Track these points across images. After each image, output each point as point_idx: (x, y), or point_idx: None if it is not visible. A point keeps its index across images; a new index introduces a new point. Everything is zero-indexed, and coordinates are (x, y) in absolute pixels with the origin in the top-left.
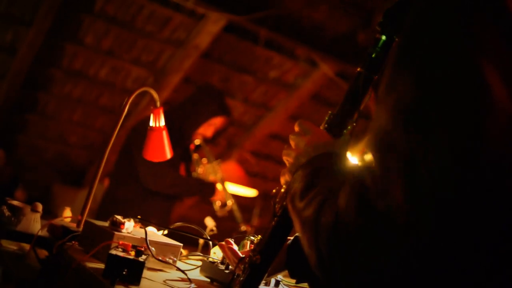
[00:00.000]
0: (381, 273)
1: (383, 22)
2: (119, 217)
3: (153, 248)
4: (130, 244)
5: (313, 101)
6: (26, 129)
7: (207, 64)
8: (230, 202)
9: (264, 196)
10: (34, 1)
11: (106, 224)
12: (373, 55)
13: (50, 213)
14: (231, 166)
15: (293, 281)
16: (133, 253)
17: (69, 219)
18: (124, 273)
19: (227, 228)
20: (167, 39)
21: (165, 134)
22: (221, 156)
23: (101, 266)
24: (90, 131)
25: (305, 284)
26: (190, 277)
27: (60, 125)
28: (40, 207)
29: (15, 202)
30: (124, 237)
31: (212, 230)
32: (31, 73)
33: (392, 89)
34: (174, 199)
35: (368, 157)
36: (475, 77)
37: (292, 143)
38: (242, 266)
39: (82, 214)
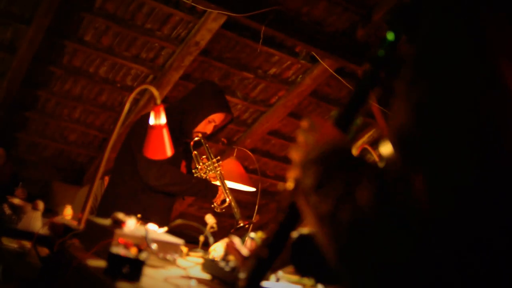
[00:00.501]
0: (403, 267)
1: (390, 20)
2: (120, 215)
3: (153, 246)
4: (131, 242)
5: (313, 98)
6: (26, 127)
7: (207, 61)
8: (228, 200)
9: (263, 193)
10: None
11: (108, 222)
12: (381, 53)
13: (50, 211)
14: (231, 163)
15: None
16: (133, 251)
17: (70, 217)
18: (125, 271)
19: (227, 225)
20: (167, 36)
21: (165, 132)
22: (221, 153)
23: (102, 264)
24: (90, 129)
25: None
26: (191, 274)
27: (60, 123)
28: (41, 205)
29: (15, 201)
30: (125, 235)
31: (212, 228)
32: (31, 71)
33: (413, 88)
34: (175, 197)
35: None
36: (494, 78)
37: (300, 138)
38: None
39: (82, 212)
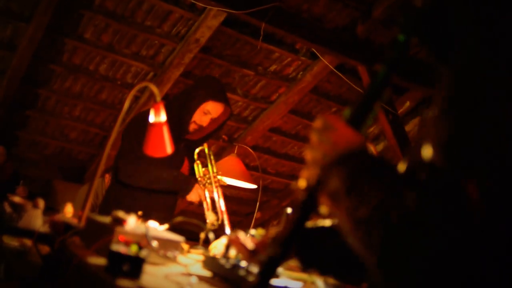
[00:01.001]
0: (454, 274)
1: (403, 22)
2: (120, 213)
3: (154, 244)
4: (131, 240)
5: (314, 95)
6: (27, 125)
7: (207, 58)
8: (218, 217)
9: (265, 190)
10: None
11: (108, 220)
12: (394, 55)
13: (51, 209)
14: (232, 160)
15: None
16: (134, 248)
17: (70, 215)
18: (125, 268)
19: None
20: (167, 33)
21: (165, 129)
22: (222, 150)
23: (103, 261)
24: (91, 127)
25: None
26: (192, 271)
27: (60, 121)
28: (41, 203)
29: (16, 199)
30: (125, 233)
31: (213, 225)
32: (31, 69)
33: (455, 104)
34: (177, 195)
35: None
36: None
37: (314, 138)
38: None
39: (82, 209)
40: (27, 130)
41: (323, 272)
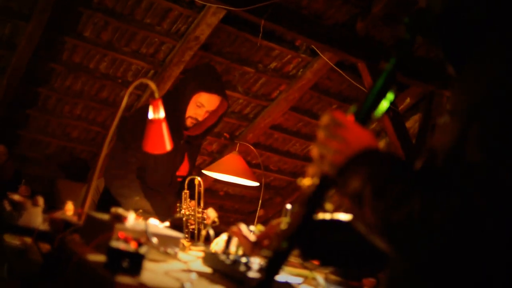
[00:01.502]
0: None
1: (409, 22)
2: (120, 210)
3: (154, 240)
4: (131, 236)
5: (314, 92)
6: (28, 124)
7: (207, 56)
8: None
9: (267, 187)
10: None
11: (107, 217)
12: (399, 54)
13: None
14: (234, 158)
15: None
16: (134, 245)
17: (70, 213)
18: (124, 265)
19: (229, 218)
20: (166, 31)
21: (164, 126)
22: (224, 148)
23: (103, 258)
24: (92, 125)
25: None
26: (192, 268)
27: (61, 119)
28: (41, 201)
29: (16, 197)
30: (125, 229)
31: (214, 222)
32: (31, 67)
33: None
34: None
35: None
36: None
37: (322, 134)
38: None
39: (82, 207)
40: (28, 129)
41: (323, 264)
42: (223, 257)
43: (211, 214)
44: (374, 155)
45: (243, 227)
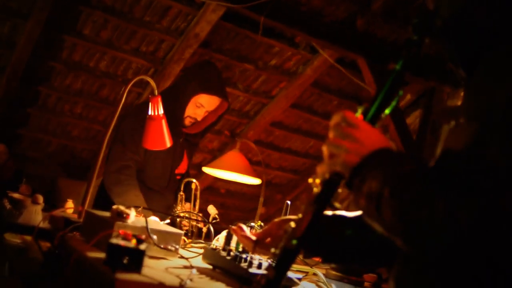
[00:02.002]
0: None
1: (417, 24)
2: (121, 207)
3: (154, 237)
4: (131, 233)
5: (314, 88)
6: (28, 123)
7: (207, 53)
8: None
9: (268, 184)
10: None
11: (107, 214)
12: (407, 55)
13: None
14: (234, 155)
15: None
16: (134, 241)
17: (70, 210)
18: (125, 261)
19: (233, 217)
20: (166, 29)
21: (164, 123)
22: (224, 145)
23: (103, 255)
24: (93, 124)
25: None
26: (193, 264)
27: (62, 118)
28: (40, 199)
29: (15, 195)
30: (125, 226)
31: (215, 218)
32: (31, 66)
33: None
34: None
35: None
36: None
37: (333, 134)
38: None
39: (82, 205)
40: (29, 128)
41: (325, 261)
42: (223, 253)
43: (212, 211)
44: (389, 155)
45: (243, 226)
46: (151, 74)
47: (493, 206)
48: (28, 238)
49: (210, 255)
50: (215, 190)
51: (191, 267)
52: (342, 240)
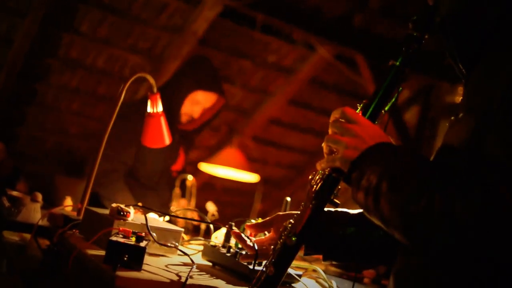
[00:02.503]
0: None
1: (417, 20)
2: (121, 205)
3: (154, 234)
4: (131, 230)
5: (312, 85)
6: (25, 121)
7: (205, 50)
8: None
9: (265, 181)
10: None
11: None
12: (407, 51)
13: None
14: (232, 152)
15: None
16: (133, 239)
17: (69, 208)
18: (125, 259)
19: (229, 213)
20: (163, 26)
21: (163, 120)
22: (222, 142)
23: (102, 253)
24: (90, 121)
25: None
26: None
27: (59, 115)
28: (39, 196)
29: (14, 193)
30: (124, 224)
31: (213, 215)
32: (28, 64)
33: None
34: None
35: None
36: None
37: (334, 130)
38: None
39: (81, 202)
40: (26, 126)
41: (326, 258)
42: (223, 250)
43: (211, 208)
44: (388, 149)
45: (242, 235)
46: (149, 71)
47: (491, 200)
48: (27, 236)
49: (210, 252)
50: (212, 186)
51: (193, 263)
52: (343, 238)
